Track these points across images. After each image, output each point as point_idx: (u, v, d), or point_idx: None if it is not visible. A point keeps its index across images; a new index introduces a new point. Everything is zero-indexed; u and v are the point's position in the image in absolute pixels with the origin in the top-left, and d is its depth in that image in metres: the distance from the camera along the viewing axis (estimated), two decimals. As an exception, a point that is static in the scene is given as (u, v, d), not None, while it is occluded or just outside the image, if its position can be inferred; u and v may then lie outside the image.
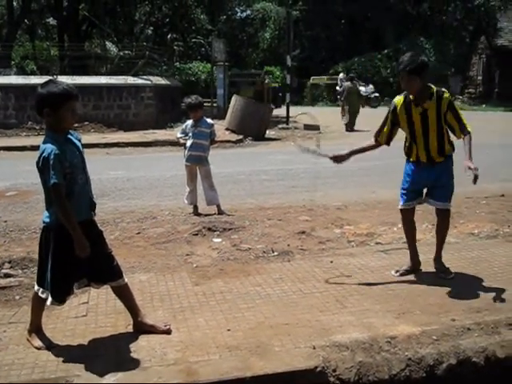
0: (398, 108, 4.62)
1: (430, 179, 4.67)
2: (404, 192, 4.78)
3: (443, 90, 4.55)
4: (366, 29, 37.38)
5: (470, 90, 37.46)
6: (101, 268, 3.55)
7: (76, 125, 16.00)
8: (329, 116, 23.88)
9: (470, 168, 4.28)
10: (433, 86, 4.53)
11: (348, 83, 20.88)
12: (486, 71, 38.41)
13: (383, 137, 4.78)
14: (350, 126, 19.68)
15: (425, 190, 4.79)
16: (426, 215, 6.43)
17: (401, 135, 4.83)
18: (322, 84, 35.47)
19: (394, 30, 36.69)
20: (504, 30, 35.85)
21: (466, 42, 38.17)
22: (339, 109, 27.79)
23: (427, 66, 4.47)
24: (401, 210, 4.86)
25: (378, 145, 4.86)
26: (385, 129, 4.75)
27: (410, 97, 4.55)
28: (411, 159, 4.74)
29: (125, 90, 19.31)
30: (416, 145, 4.63)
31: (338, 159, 4.93)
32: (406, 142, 4.76)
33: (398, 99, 4.66)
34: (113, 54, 29.24)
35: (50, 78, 17.15)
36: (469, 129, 4.49)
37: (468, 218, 6.83)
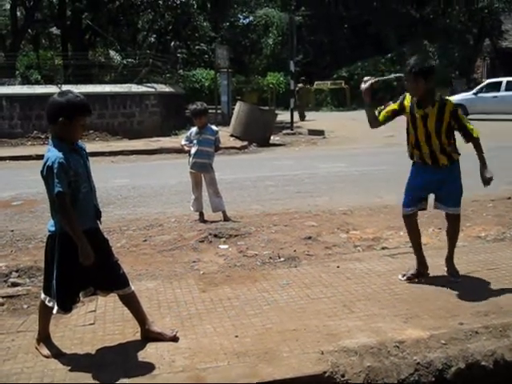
0: (406, 103, 4.64)
1: (434, 183, 4.68)
2: (406, 198, 4.79)
3: (447, 98, 4.58)
4: (368, 33, 37.36)
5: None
6: (107, 276, 3.56)
7: (81, 133, 16.09)
8: (333, 121, 24.01)
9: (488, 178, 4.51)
10: (437, 94, 4.56)
11: (301, 84, 26.60)
12: (490, 74, 38.38)
13: (382, 116, 4.74)
14: (302, 117, 25.71)
15: (431, 195, 4.79)
16: (432, 219, 6.42)
17: (401, 139, 4.83)
18: (326, 89, 35.45)
19: (397, 34, 36.67)
20: (508, 32, 35.92)
21: (470, 45, 38.11)
22: (345, 113, 28.38)
23: (433, 70, 4.50)
24: (403, 216, 4.87)
25: (375, 121, 4.79)
26: (388, 110, 4.72)
27: (414, 98, 4.58)
28: (416, 160, 4.75)
29: (129, 98, 19.39)
30: (419, 145, 4.64)
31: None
32: (408, 143, 4.76)
33: (408, 95, 4.68)
34: (116, 62, 29.30)
35: (55, 86, 17.21)
36: (475, 135, 4.53)
37: (475, 221, 6.82)
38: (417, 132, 4.62)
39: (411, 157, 4.80)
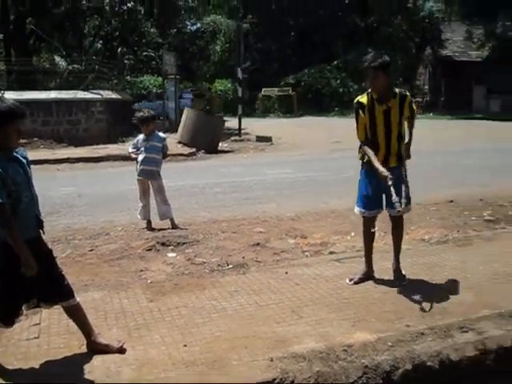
0: (364, 100, 4.65)
1: (383, 187, 4.68)
2: (366, 200, 4.77)
3: (405, 90, 4.68)
4: (315, 41, 37.84)
5: (418, 99, 38.34)
6: (50, 288, 3.46)
7: (25, 141, 15.59)
8: (281, 128, 24.17)
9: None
10: (394, 87, 4.64)
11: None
12: (432, 81, 39.53)
13: (363, 135, 4.72)
14: None
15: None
16: (378, 223, 6.51)
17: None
18: (274, 96, 35.67)
19: (343, 42, 37.30)
20: (448, 41, 37.01)
21: (412, 53, 39.12)
22: (292, 120, 28.70)
23: (389, 64, 4.55)
24: (364, 217, 4.88)
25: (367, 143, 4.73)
26: (362, 124, 4.69)
27: (373, 95, 4.60)
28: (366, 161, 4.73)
29: (74, 105, 19.02)
30: (378, 143, 4.64)
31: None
32: (361, 146, 4.76)
33: (362, 97, 4.69)
34: (62, 68, 28.69)
35: (-4, 94, 16.63)
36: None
37: (419, 225, 6.97)
38: (376, 131, 4.63)
39: (362, 158, 4.79)
